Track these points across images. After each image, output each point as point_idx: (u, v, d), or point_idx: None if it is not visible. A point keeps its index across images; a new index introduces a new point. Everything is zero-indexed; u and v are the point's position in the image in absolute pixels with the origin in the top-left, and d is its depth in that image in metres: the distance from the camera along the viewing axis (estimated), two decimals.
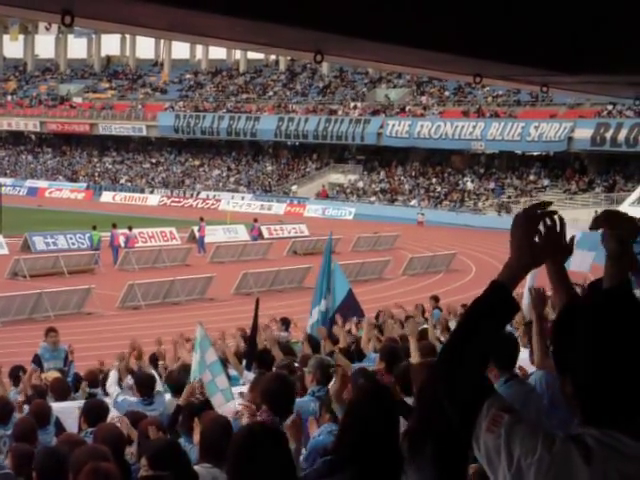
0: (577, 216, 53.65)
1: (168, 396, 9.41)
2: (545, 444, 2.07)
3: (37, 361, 12.88)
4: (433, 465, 4.05)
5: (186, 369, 10.06)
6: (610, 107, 59.31)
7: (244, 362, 11.00)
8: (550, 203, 2.52)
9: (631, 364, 2.06)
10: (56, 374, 11.19)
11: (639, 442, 2.06)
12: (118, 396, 9.48)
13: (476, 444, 2.20)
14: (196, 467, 5.13)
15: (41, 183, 76.70)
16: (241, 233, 45.39)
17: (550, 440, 2.08)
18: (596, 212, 3.08)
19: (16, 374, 11.04)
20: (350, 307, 14.53)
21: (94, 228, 36.87)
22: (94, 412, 7.41)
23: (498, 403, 2.21)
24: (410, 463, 4.15)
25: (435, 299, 18.41)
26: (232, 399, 9.97)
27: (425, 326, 13.08)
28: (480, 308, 2.32)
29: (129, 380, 10.12)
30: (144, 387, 9.18)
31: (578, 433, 2.10)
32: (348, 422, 4.15)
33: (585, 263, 19.19)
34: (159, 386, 9.93)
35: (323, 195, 67.80)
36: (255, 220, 45.67)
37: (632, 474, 2.03)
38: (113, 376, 10.21)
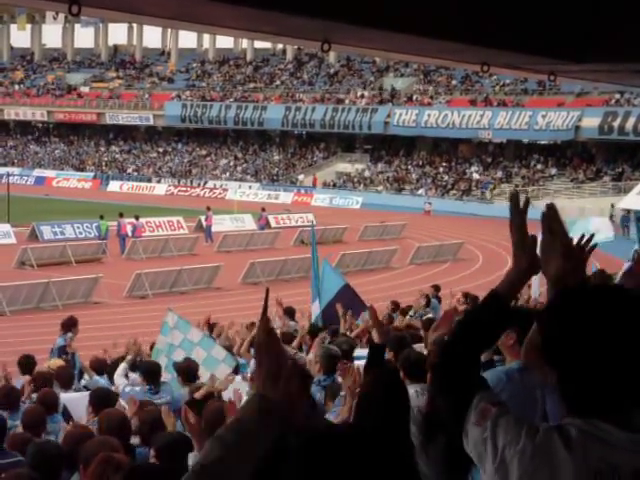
0: (584, 205, 53.66)
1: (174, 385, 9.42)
2: (529, 434, 2.09)
3: (66, 354, 12.80)
4: (444, 454, 4.04)
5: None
6: (618, 96, 59.15)
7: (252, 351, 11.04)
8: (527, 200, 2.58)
9: (615, 357, 2.05)
10: (60, 362, 11.19)
11: (625, 431, 2.06)
12: (125, 387, 9.49)
13: (465, 439, 2.24)
14: None
15: (48, 172, 76.77)
16: (248, 222, 45.40)
17: (534, 430, 2.10)
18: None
19: (25, 362, 11.04)
20: (347, 302, 14.15)
21: (101, 217, 36.91)
22: (102, 401, 7.38)
23: (488, 397, 2.25)
24: (422, 452, 4.15)
25: (436, 288, 18.39)
26: (235, 363, 9.99)
27: (430, 315, 13.11)
28: (476, 317, 2.45)
29: (132, 374, 10.17)
30: (150, 376, 9.17)
31: (562, 423, 2.11)
32: (362, 407, 4.15)
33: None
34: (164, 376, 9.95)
35: (314, 183, 67.90)
36: (262, 209, 45.67)
37: (620, 463, 2.02)
38: (122, 368, 10.24)
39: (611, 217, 50.12)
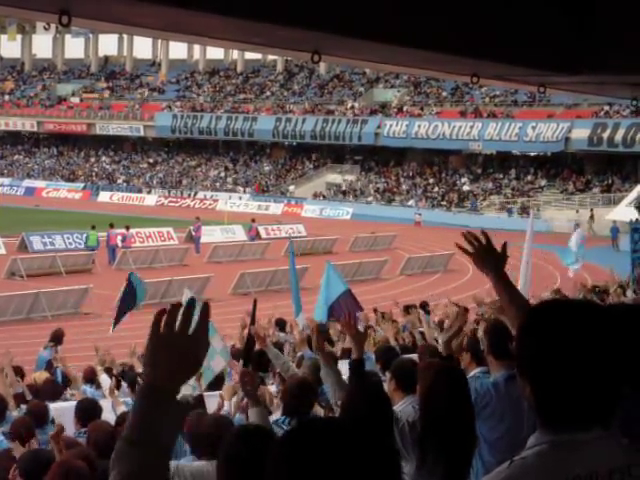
0: (574, 216, 53.79)
1: None
2: None
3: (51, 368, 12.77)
4: (442, 468, 4.03)
5: None
6: (607, 107, 59.35)
7: (240, 362, 11.00)
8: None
9: (589, 370, 2.08)
10: (46, 374, 11.17)
11: (599, 437, 2.08)
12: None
13: None
14: (198, 463, 5.12)
15: (38, 183, 76.61)
16: (238, 233, 45.37)
17: None
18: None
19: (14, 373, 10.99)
20: (348, 308, 14.27)
21: (93, 228, 36.64)
22: (87, 412, 7.36)
23: None
24: (420, 468, 4.13)
25: (423, 306, 18.37)
26: (229, 358, 10.15)
27: (421, 329, 13.11)
28: None
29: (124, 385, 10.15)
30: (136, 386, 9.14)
31: (527, 454, 2.10)
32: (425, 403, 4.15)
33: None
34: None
35: (257, 190, 69.46)
36: (253, 220, 45.66)
37: (596, 468, 2.05)
38: (106, 381, 10.21)
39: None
